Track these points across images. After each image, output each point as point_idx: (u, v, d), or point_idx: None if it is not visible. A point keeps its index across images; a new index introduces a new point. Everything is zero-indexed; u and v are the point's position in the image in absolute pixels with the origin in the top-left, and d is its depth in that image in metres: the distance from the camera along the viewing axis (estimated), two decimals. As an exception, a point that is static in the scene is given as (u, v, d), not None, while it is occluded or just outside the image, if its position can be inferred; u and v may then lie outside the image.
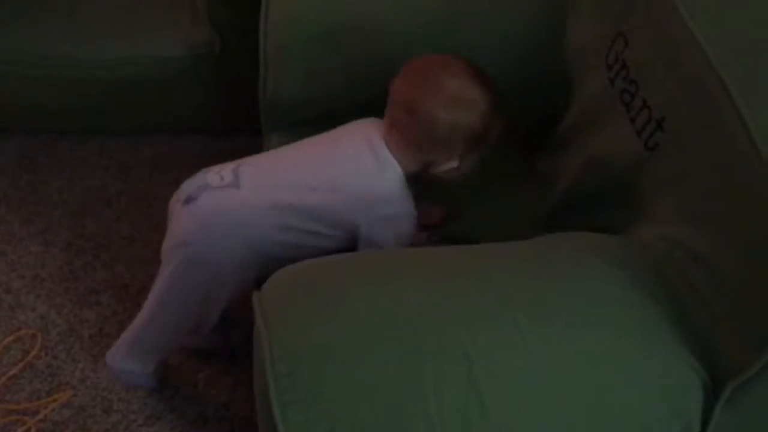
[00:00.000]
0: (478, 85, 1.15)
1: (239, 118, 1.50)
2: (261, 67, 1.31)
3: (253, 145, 1.34)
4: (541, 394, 0.87)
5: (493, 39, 1.29)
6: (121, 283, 1.52)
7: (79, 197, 1.68)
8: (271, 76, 1.31)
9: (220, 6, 1.56)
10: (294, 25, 1.28)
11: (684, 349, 0.90)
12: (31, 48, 1.62)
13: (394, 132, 1.15)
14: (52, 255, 1.57)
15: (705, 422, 0.90)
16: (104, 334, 1.45)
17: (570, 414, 0.87)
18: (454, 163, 1.16)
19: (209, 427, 1.35)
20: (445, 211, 1.30)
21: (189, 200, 1.15)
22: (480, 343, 0.86)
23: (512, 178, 1.36)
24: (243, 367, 1.38)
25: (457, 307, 0.90)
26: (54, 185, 1.70)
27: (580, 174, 1.24)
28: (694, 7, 1.02)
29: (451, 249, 1.01)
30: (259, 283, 0.98)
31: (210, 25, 1.60)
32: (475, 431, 0.84)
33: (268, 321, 0.88)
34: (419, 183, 1.20)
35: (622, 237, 1.06)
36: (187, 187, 1.17)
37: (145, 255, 1.56)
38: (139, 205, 1.66)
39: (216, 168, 1.18)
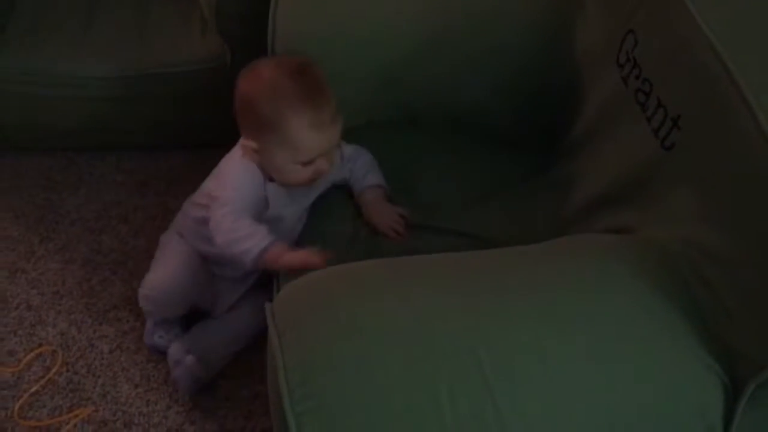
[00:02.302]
0: (286, 73, 1.17)
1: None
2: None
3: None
4: (558, 399, 0.86)
5: (496, 44, 1.29)
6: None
7: (96, 213, 1.69)
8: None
9: (229, 20, 1.56)
10: (300, 39, 1.28)
11: (702, 349, 0.89)
12: (45, 67, 1.64)
13: None
14: (71, 271, 1.58)
15: (728, 422, 0.89)
16: (124, 349, 1.46)
17: (588, 417, 0.86)
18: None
19: (229, 440, 1.35)
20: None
21: None
22: (494, 349, 0.86)
23: (527, 181, 1.35)
24: (261, 379, 1.38)
25: (471, 315, 0.89)
26: (72, 202, 1.71)
27: (596, 175, 1.23)
28: (703, 1, 1.00)
29: (465, 255, 1.00)
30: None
31: (220, 38, 1.60)
32: (492, 437, 0.83)
33: (281, 331, 0.88)
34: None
35: (638, 238, 1.05)
36: None
37: (162, 269, 1.56)
38: (155, 220, 1.67)
39: None
